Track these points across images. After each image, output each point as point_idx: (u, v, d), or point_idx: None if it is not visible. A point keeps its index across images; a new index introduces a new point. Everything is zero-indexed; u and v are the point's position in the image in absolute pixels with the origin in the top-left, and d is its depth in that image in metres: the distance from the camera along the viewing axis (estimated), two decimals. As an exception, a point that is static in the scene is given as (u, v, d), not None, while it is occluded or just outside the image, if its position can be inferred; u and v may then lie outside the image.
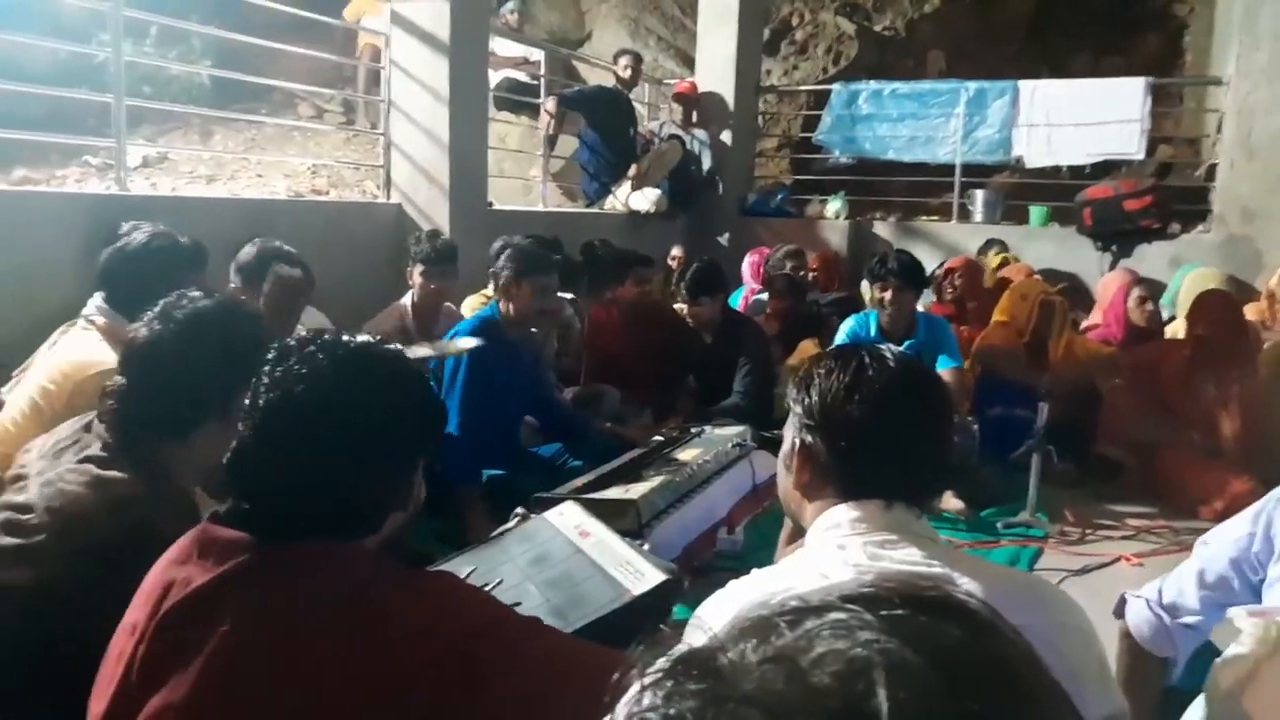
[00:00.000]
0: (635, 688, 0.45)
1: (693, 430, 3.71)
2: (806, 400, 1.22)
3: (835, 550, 1.12)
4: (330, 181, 6.53)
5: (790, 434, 1.25)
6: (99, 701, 1.11)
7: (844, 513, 1.16)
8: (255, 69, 5.35)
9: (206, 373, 1.59)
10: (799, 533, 1.28)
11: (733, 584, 1.17)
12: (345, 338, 1.20)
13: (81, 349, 2.38)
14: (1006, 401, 4.09)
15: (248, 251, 3.16)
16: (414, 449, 1.24)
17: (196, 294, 1.70)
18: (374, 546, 1.19)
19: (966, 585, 1.05)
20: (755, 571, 1.19)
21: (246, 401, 1.17)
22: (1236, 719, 1.13)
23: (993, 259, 6.31)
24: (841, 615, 0.44)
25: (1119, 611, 1.65)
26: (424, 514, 2.97)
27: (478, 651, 1.09)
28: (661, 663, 0.45)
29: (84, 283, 2.73)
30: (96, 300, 2.56)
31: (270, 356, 1.18)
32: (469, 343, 2.99)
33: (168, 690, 1.05)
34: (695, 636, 1.22)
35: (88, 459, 1.56)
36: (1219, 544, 1.54)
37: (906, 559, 1.10)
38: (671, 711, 0.42)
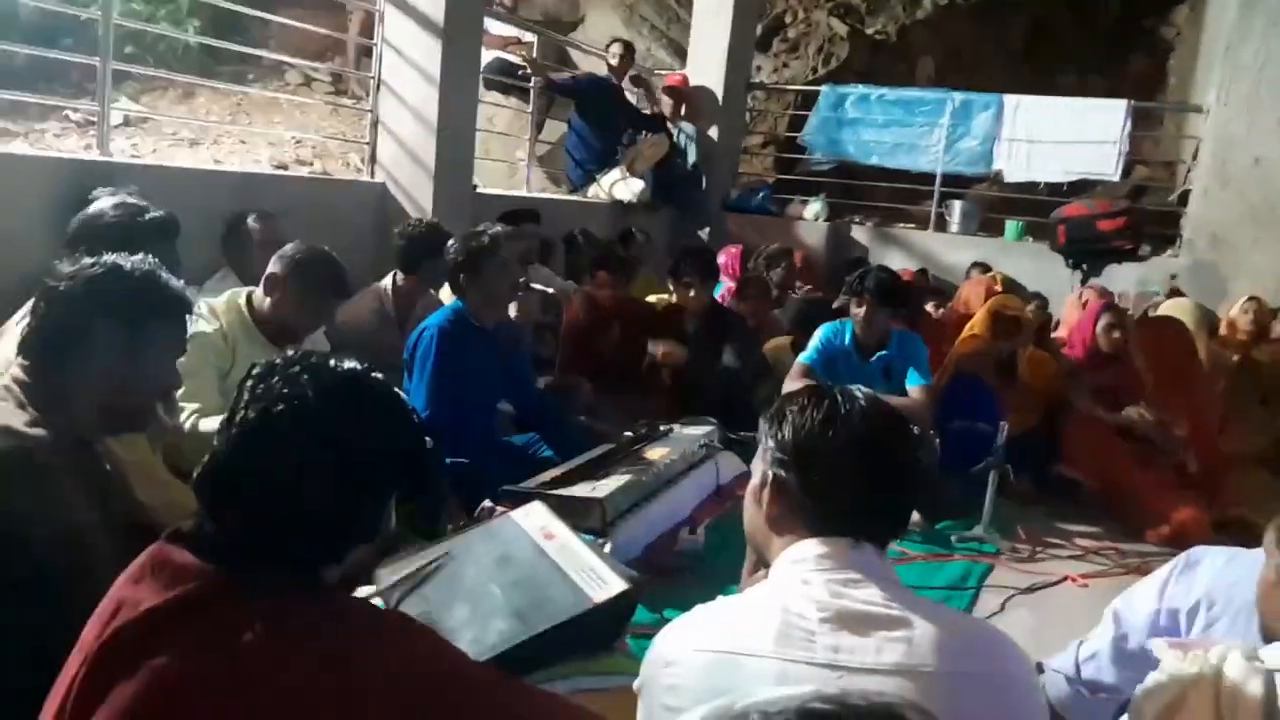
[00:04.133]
0: None
1: (661, 428, 3.74)
2: (780, 435, 1.24)
3: (799, 584, 1.15)
4: (315, 153, 6.49)
5: (761, 467, 1.27)
6: None
7: (811, 548, 1.18)
8: (244, 35, 5.29)
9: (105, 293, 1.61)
10: (761, 566, 1.30)
11: (698, 610, 1.20)
12: (333, 362, 1.17)
13: None
14: (969, 415, 4.15)
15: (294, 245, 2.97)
16: (390, 483, 1.19)
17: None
18: (333, 578, 1.15)
19: (922, 628, 1.10)
20: (720, 599, 1.22)
21: (224, 417, 1.14)
22: None
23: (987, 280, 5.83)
24: None
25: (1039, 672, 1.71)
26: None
27: (444, 700, 1.08)
28: None
29: (58, 249, 2.64)
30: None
31: (254, 372, 1.14)
32: None
33: (99, 716, 1.01)
34: (655, 671, 1.25)
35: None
36: (1132, 619, 1.57)
37: (867, 599, 1.13)
38: None
